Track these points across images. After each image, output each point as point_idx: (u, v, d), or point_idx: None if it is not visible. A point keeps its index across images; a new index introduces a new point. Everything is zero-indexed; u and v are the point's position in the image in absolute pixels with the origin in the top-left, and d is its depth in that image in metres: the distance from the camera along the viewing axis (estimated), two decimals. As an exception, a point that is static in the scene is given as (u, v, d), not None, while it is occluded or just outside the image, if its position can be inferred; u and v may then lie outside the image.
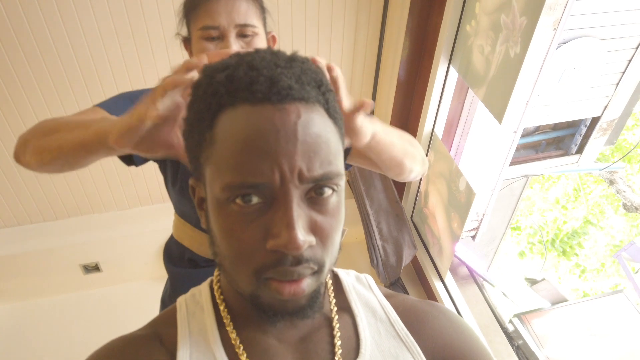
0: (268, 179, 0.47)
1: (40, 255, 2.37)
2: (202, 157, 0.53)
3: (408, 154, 0.94)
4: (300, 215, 0.49)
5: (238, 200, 0.49)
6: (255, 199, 0.49)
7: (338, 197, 0.53)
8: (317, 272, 0.52)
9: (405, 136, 0.98)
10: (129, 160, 0.91)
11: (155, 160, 1.13)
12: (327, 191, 0.51)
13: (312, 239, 0.49)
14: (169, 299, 1.32)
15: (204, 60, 0.64)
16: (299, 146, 0.48)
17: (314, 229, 0.50)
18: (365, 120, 0.76)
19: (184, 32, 1.11)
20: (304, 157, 0.48)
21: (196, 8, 1.02)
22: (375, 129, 0.81)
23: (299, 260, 0.49)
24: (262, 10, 1.10)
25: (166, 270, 1.35)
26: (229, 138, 0.49)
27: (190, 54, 1.11)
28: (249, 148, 0.48)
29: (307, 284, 0.51)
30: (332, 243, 0.53)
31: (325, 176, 0.50)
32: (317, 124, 0.50)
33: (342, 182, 0.54)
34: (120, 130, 0.68)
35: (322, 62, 0.67)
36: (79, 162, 0.81)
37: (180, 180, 1.15)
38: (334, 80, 0.72)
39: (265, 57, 0.51)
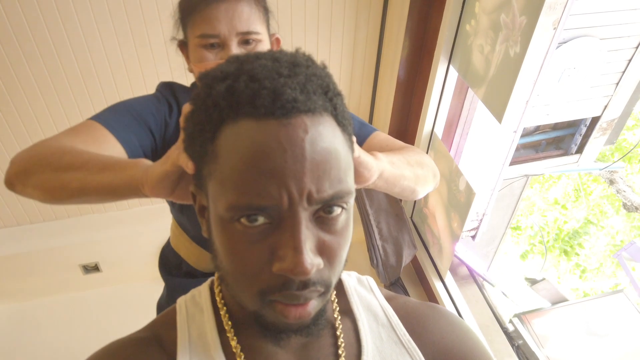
0: (276, 201, 0.45)
1: (39, 255, 2.36)
2: (205, 170, 0.51)
3: (420, 181, 0.87)
4: (308, 237, 0.46)
5: (243, 220, 0.47)
6: (261, 219, 0.46)
7: (347, 215, 0.51)
8: (324, 294, 0.51)
9: (414, 158, 0.89)
10: None
11: None
12: (336, 210, 0.49)
13: (319, 262, 0.47)
14: (166, 306, 1.30)
15: None
16: (307, 166, 0.45)
17: (322, 249, 0.48)
18: (370, 160, 0.68)
19: (180, 35, 1.05)
20: (313, 178, 0.45)
21: (193, 13, 0.95)
22: (382, 167, 0.73)
23: (305, 284, 0.48)
24: (266, 12, 1.02)
25: (162, 278, 1.29)
26: (232, 155, 0.46)
27: (188, 59, 1.05)
28: (254, 168, 0.45)
29: (313, 307, 0.50)
30: (339, 262, 0.51)
31: (336, 196, 0.47)
32: (325, 138, 0.47)
33: (352, 197, 0.51)
34: (157, 178, 0.64)
35: None
36: (101, 202, 0.77)
37: None
38: None
39: (267, 65, 0.48)
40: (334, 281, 0.52)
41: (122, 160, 0.74)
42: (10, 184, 0.80)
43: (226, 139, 0.47)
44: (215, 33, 0.93)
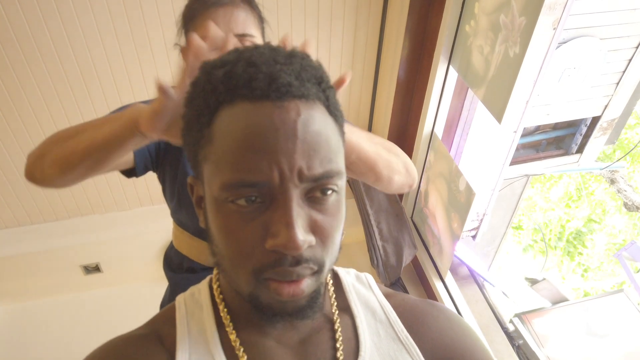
0: (267, 177, 0.47)
1: (40, 255, 2.37)
2: (200, 155, 0.52)
3: (381, 159, 0.90)
4: (299, 214, 0.48)
5: (238, 201, 0.48)
6: (253, 199, 0.48)
7: (338, 196, 0.52)
8: (317, 273, 0.51)
9: (386, 144, 0.95)
10: (130, 172, 0.91)
11: (154, 171, 1.14)
12: (328, 192, 0.50)
13: (311, 239, 0.49)
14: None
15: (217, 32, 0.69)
16: (298, 144, 0.47)
17: (314, 228, 0.50)
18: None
19: (183, 42, 1.11)
20: (304, 156, 0.47)
21: (194, 18, 1.02)
22: (356, 140, 0.81)
23: (298, 261, 0.48)
24: (261, 20, 1.08)
25: (166, 277, 1.35)
26: (227, 136, 0.48)
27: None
28: (247, 146, 0.47)
29: (306, 285, 0.50)
30: (332, 243, 0.52)
31: (326, 174, 0.49)
32: (317, 122, 0.49)
33: (343, 181, 0.53)
34: (149, 113, 0.69)
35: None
36: (109, 158, 0.80)
37: (178, 191, 1.15)
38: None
39: (264, 53, 0.50)
40: (328, 262, 0.52)
41: (116, 115, 0.81)
42: (30, 173, 0.87)
43: (222, 122, 0.49)
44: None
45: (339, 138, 0.53)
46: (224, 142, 0.48)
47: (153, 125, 0.70)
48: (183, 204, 1.16)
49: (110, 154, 0.79)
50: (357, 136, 0.85)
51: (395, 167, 0.93)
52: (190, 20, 1.03)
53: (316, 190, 0.49)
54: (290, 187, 0.47)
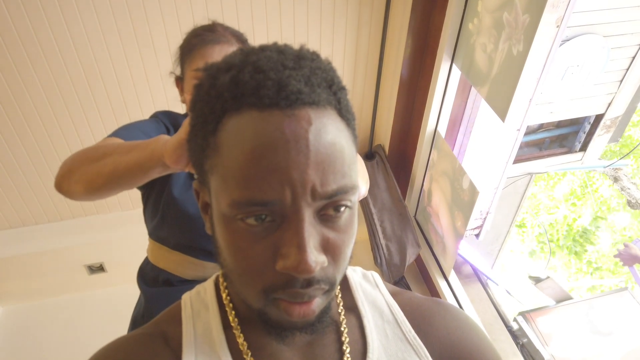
0: (278, 195, 0.44)
1: (44, 256, 2.37)
2: (207, 164, 0.50)
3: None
4: (312, 234, 0.45)
5: (247, 220, 0.46)
6: (263, 217, 0.46)
7: (351, 212, 0.50)
8: (328, 291, 0.50)
9: None
10: None
11: (139, 189, 1.21)
12: (341, 209, 0.48)
13: (323, 260, 0.46)
14: (141, 319, 1.29)
15: None
16: (311, 158, 0.44)
17: (326, 247, 0.48)
18: None
19: (178, 71, 1.20)
20: (317, 171, 0.44)
21: (192, 51, 1.10)
22: None
23: (309, 282, 0.47)
24: None
25: (140, 290, 1.34)
26: (235, 147, 0.45)
27: (181, 91, 1.20)
28: (257, 161, 0.44)
29: (317, 305, 0.49)
30: (344, 259, 0.50)
31: (340, 190, 0.46)
32: (329, 131, 0.46)
33: (356, 195, 0.50)
34: (173, 147, 0.73)
35: None
36: (131, 182, 0.85)
37: (162, 208, 1.19)
38: None
39: (272, 56, 0.47)
40: (339, 279, 0.51)
41: (146, 140, 0.85)
42: (58, 185, 0.91)
43: (228, 131, 0.46)
44: None
45: (352, 145, 0.50)
46: (231, 155, 0.46)
47: (177, 157, 0.73)
48: (166, 220, 1.21)
49: (133, 180, 0.84)
50: None
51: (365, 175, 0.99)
52: (188, 53, 1.12)
53: (329, 208, 0.47)
54: (303, 206, 0.45)
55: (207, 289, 0.63)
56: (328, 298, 0.51)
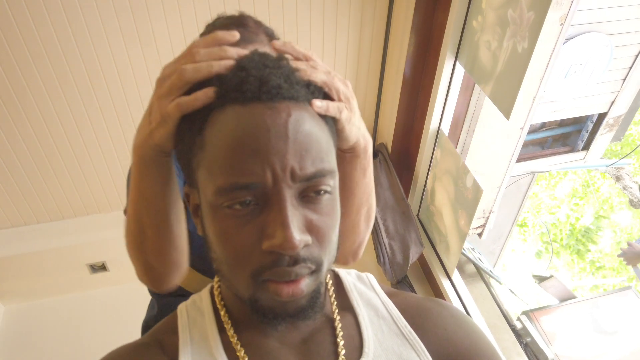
0: (260, 178, 0.47)
1: (46, 255, 2.37)
2: (194, 162, 0.53)
3: (373, 207, 0.83)
4: (294, 214, 0.48)
5: (233, 205, 0.49)
6: (248, 202, 0.49)
7: (332, 196, 0.53)
8: (316, 272, 0.52)
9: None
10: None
11: None
12: (322, 192, 0.51)
13: (307, 238, 0.49)
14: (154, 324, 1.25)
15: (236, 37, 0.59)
16: (290, 144, 0.48)
17: (310, 228, 0.50)
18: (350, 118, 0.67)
19: None
20: (296, 155, 0.48)
21: None
22: (366, 138, 0.71)
23: (295, 260, 0.49)
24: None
25: (154, 298, 1.29)
26: (219, 139, 0.49)
27: None
28: (239, 147, 0.48)
29: (305, 284, 0.51)
30: (328, 242, 0.52)
31: (318, 174, 0.49)
32: (307, 122, 0.50)
33: (335, 180, 0.53)
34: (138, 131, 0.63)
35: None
36: (155, 206, 0.69)
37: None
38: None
39: (254, 58, 0.52)
40: (326, 261, 0.53)
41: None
42: (155, 286, 0.84)
43: (213, 127, 0.50)
44: None
45: (329, 139, 0.54)
46: (215, 146, 0.49)
47: (142, 135, 0.62)
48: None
49: (152, 200, 0.69)
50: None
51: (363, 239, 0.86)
52: None
53: (309, 191, 0.50)
54: (284, 188, 0.48)
55: (202, 297, 0.65)
56: (316, 281, 0.52)
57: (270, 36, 1.02)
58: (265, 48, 0.93)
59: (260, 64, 0.50)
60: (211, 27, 0.99)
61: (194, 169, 0.53)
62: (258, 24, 1.01)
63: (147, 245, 0.73)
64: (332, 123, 0.57)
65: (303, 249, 0.49)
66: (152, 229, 0.71)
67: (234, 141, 0.48)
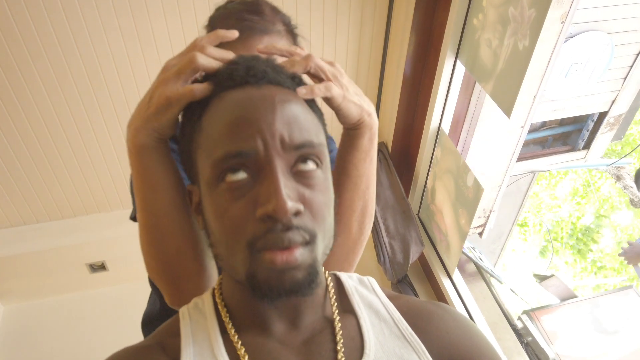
0: (251, 145, 0.51)
1: (46, 254, 2.37)
2: (193, 148, 0.57)
3: (369, 208, 0.79)
4: (287, 185, 0.51)
5: (227, 178, 0.52)
6: (242, 174, 0.52)
7: (324, 174, 0.56)
8: (310, 244, 0.53)
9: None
10: None
11: None
12: (311, 164, 0.54)
13: (300, 206, 0.51)
14: (158, 315, 1.19)
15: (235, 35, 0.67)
16: (278, 115, 0.53)
17: (303, 201, 0.52)
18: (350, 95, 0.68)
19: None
20: (284, 125, 0.52)
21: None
22: (372, 117, 0.72)
23: (288, 227, 0.51)
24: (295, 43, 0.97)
25: (157, 297, 1.24)
26: (214, 119, 0.55)
27: None
28: (231, 121, 0.53)
29: (300, 254, 0.52)
30: (322, 217, 0.54)
31: (307, 144, 0.53)
32: (294, 103, 0.55)
33: (326, 156, 0.57)
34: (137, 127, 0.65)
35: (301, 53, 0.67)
36: (161, 197, 0.68)
37: None
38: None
39: (246, 56, 0.60)
40: (320, 236, 0.54)
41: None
42: (174, 303, 0.76)
43: (209, 111, 0.56)
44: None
45: (318, 124, 0.58)
46: (211, 125, 0.55)
47: (135, 126, 0.64)
48: None
49: (160, 184, 0.67)
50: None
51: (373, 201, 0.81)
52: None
53: (299, 163, 0.54)
54: (274, 156, 0.51)
55: (204, 299, 0.65)
56: (311, 254, 0.53)
57: (287, 25, 0.97)
58: (282, 41, 0.91)
59: (250, 58, 0.58)
60: (223, 10, 0.93)
61: (194, 158, 0.57)
62: (275, 10, 0.96)
63: (168, 244, 0.70)
64: (321, 114, 0.62)
65: (296, 218, 0.51)
66: (167, 217, 0.68)
67: (227, 116, 0.53)
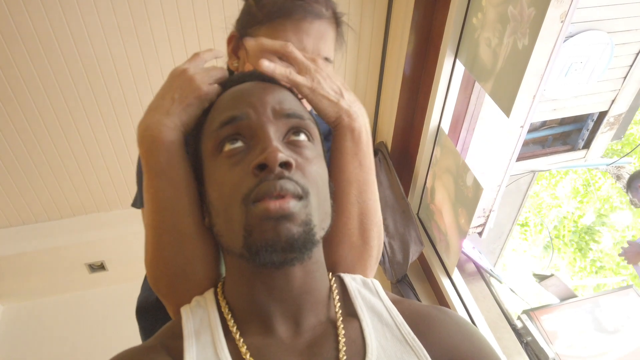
0: (243, 111, 0.58)
1: (45, 254, 2.37)
2: (200, 136, 0.64)
3: (379, 212, 0.76)
4: (279, 146, 0.55)
5: (226, 147, 0.58)
6: (239, 144, 0.58)
7: (315, 150, 0.61)
8: (303, 199, 0.55)
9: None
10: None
11: None
12: (303, 135, 0.60)
13: (291, 159, 0.54)
14: (156, 302, 1.12)
15: (290, 49, 0.69)
16: (269, 92, 0.61)
17: (295, 163, 0.56)
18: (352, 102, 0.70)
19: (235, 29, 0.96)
20: (274, 98, 0.60)
21: (283, 17, 0.84)
22: (355, 118, 0.69)
23: (280, 176, 0.53)
24: (339, 46, 0.96)
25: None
26: (215, 108, 0.64)
27: (233, 53, 0.96)
28: (228, 100, 0.62)
29: (293, 205, 0.53)
30: (314, 181, 0.57)
31: (297, 114, 0.60)
32: (285, 91, 0.64)
33: (317, 133, 0.63)
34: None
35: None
36: (170, 195, 0.65)
37: None
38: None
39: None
40: (313, 194, 0.57)
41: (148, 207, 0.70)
42: (172, 305, 0.72)
43: (213, 107, 0.66)
44: (302, 47, 0.84)
45: (309, 113, 0.64)
46: (212, 113, 0.63)
47: (144, 127, 0.64)
48: None
49: (180, 186, 0.65)
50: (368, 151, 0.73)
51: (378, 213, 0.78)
52: (274, 16, 0.85)
53: (291, 134, 0.59)
54: (266, 122, 0.58)
55: (206, 299, 0.65)
56: (305, 209, 0.55)
57: (335, 13, 0.92)
58: (329, 29, 0.87)
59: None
60: None
61: (200, 147, 0.64)
62: None
63: (186, 246, 0.66)
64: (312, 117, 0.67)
65: (288, 172, 0.54)
66: (189, 217, 0.65)
67: (225, 98, 0.63)
